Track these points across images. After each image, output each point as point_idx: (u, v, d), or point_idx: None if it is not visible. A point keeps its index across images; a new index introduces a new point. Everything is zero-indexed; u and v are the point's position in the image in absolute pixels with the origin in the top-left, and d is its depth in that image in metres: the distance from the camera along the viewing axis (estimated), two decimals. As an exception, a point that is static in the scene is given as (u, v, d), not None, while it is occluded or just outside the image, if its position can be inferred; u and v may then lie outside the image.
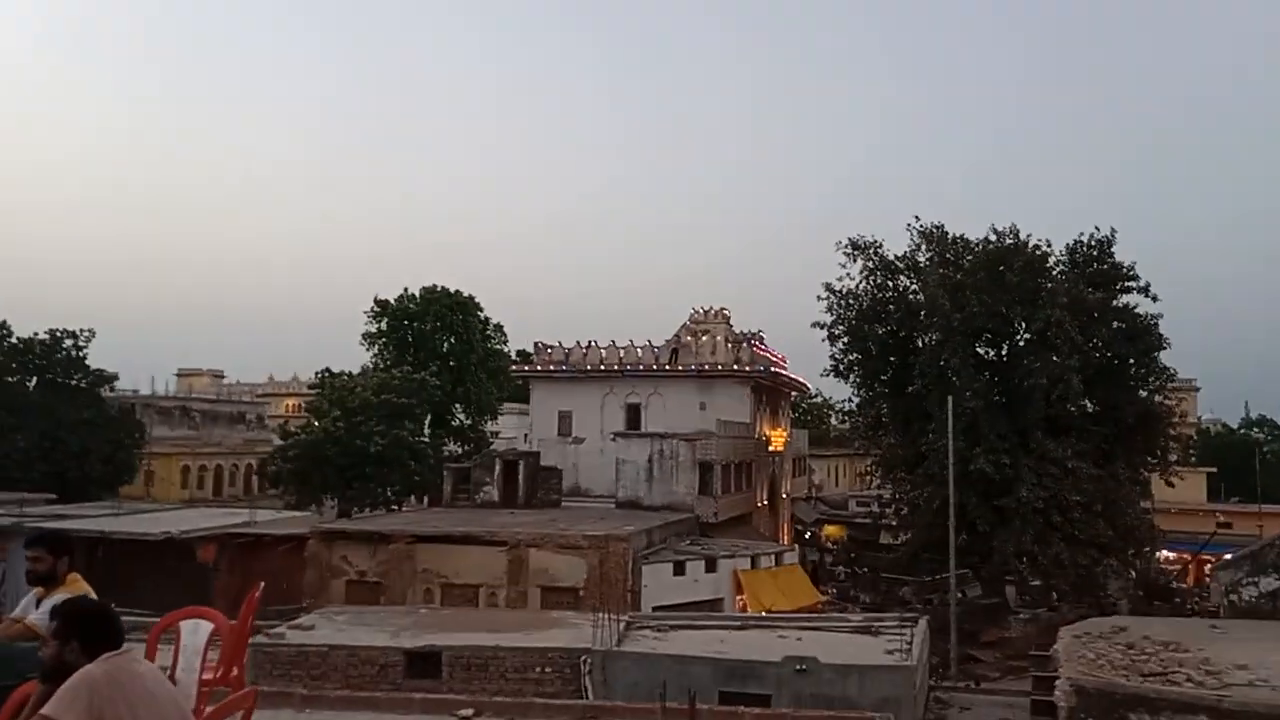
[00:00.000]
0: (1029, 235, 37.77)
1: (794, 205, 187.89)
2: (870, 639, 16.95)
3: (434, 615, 19.85)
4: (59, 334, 48.78)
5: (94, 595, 5.57)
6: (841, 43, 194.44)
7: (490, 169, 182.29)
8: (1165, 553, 45.65)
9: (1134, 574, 40.29)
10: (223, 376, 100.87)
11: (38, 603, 5.61)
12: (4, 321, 48.01)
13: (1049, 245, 38.00)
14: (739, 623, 18.42)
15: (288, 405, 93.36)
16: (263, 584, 7.51)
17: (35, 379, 48.19)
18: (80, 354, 49.30)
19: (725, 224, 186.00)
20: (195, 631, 5.60)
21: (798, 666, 15.11)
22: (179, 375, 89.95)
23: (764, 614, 23.89)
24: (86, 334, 49.36)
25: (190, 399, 79.49)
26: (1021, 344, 38.08)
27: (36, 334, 48.83)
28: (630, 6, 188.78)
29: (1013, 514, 35.18)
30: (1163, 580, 42.27)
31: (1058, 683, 14.78)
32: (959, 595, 36.83)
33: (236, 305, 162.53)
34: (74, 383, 48.79)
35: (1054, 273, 37.90)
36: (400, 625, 17.62)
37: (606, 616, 16.17)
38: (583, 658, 15.35)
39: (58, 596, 5.33)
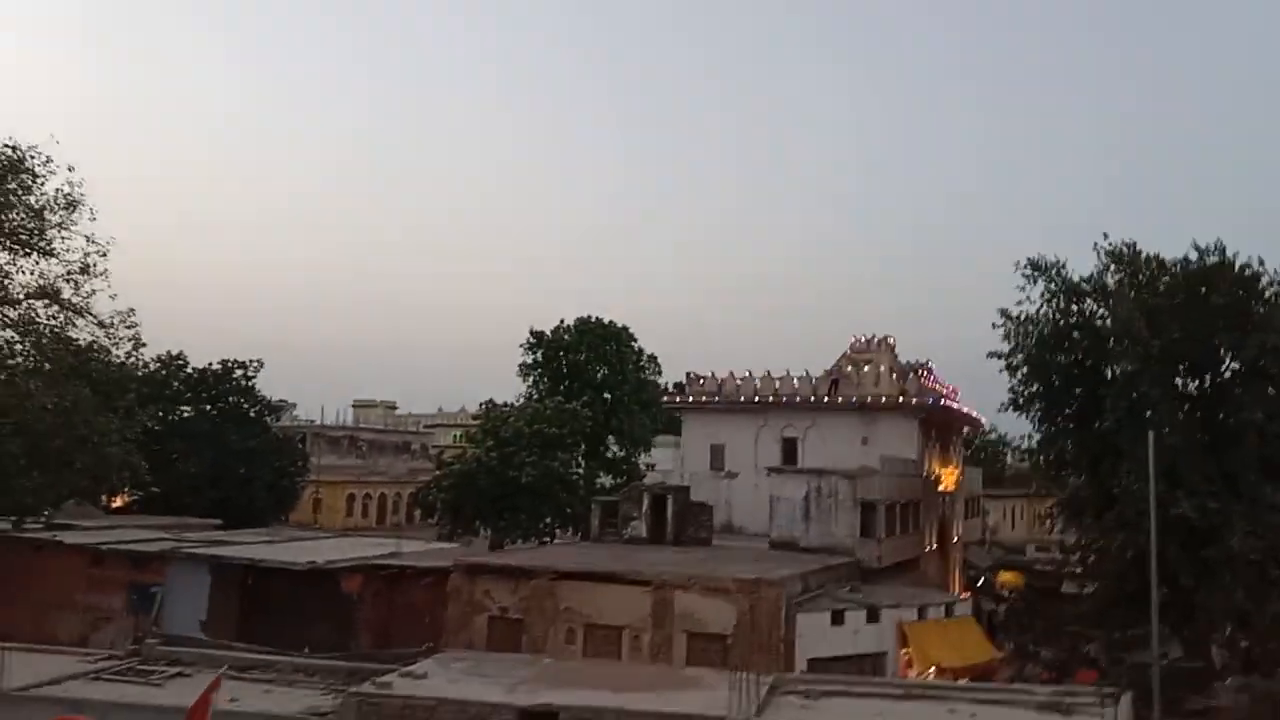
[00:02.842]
0: (1236, 253, 33.71)
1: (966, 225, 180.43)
2: (1062, 718, 14.37)
3: (558, 667, 18.32)
4: (230, 364, 50.61)
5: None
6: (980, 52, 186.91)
7: (631, 205, 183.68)
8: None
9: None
10: (395, 408, 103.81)
11: None
12: (181, 353, 50.20)
13: (1261, 264, 33.77)
14: (902, 690, 16.07)
15: (455, 436, 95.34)
16: (221, 676, 6.04)
17: (208, 408, 49.95)
18: (249, 383, 51.02)
19: (882, 240, 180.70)
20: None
21: (972, 752, 12.77)
22: (355, 406, 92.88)
23: (931, 681, 21.34)
24: (255, 364, 51.10)
25: (359, 429, 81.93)
26: (1228, 375, 34.07)
27: (211, 364, 50.78)
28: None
29: (1221, 566, 31.15)
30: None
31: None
32: (1157, 656, 32.90)
33: (414, 339, 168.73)
34: (243, 411, 50.39)
35: (1267, 294, 33.71)
36: (520, 677, 16.13)
37: (746, 677, 14.21)
38: (717, 728, 13.50)
39: None
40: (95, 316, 30.42)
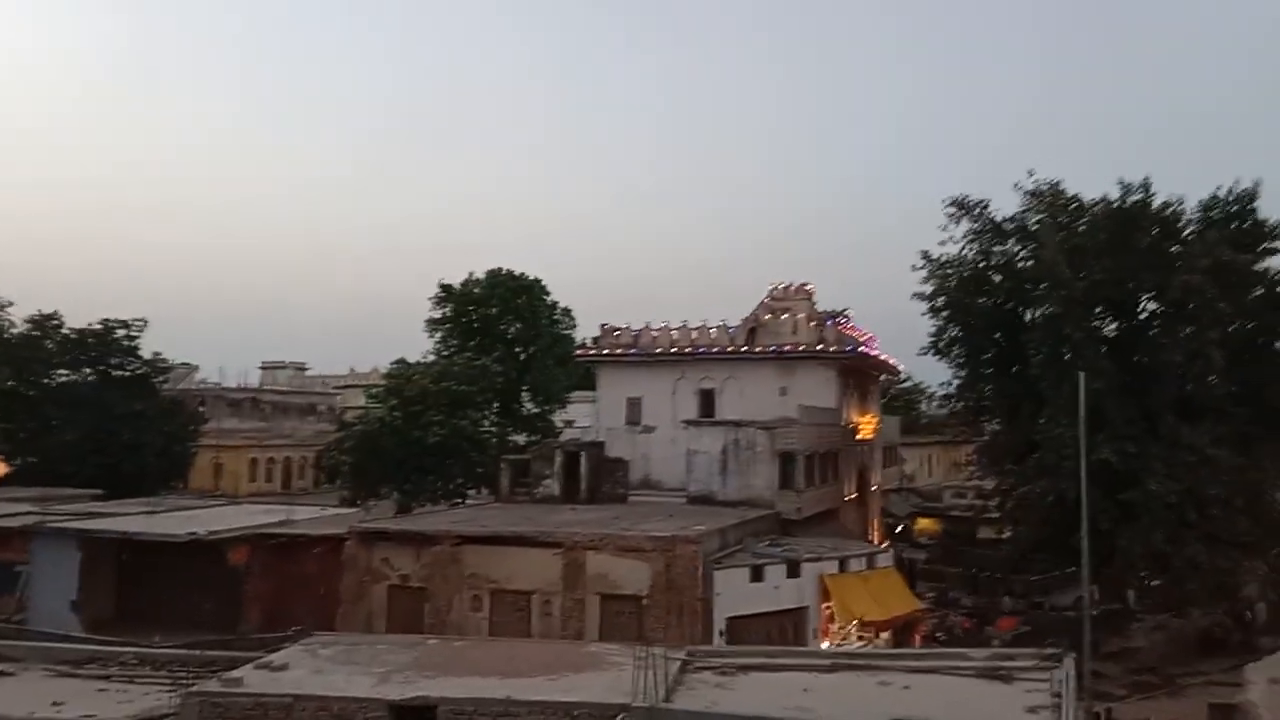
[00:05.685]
0: (1154, 192, 33.11)
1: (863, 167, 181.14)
2: (1003, 687, 13.08)
3: (442, 650, 16.38)
4: (111, 324, 47.03)
5: None
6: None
7: (552, 158, 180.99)
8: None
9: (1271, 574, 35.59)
10: (305, 369, 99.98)
11: None
12: (55, 312, 46.52)
13: (1180, 203, 33.29)
14: (829, 661, 14.67)
15: (365, 397, 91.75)
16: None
17: (88, 371, 46.48)
18: (133, 344, 47.52)
19: (799, 190, 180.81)
20: None
21: (907, 732, 11.39)
22: (262, 368, 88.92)
23: (860, 648, 20.16)
24: (139, 323, 47.57)
25: (261, 390, 78.46)
26: (1145, 316, 33.66)
27: (90, 324, 47.18)
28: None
29: (1140, 509, 30.82)
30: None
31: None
32: (1074, 600, 32.55)
33: (322, 301, 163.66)
34: (128, 374, 47.00)
35: (1185, 235, 33.24)
36: (395, 664, 14.26)
37: (654, 654, 12.60)
38: (620, 717, 11.86)
39: None
40: None
